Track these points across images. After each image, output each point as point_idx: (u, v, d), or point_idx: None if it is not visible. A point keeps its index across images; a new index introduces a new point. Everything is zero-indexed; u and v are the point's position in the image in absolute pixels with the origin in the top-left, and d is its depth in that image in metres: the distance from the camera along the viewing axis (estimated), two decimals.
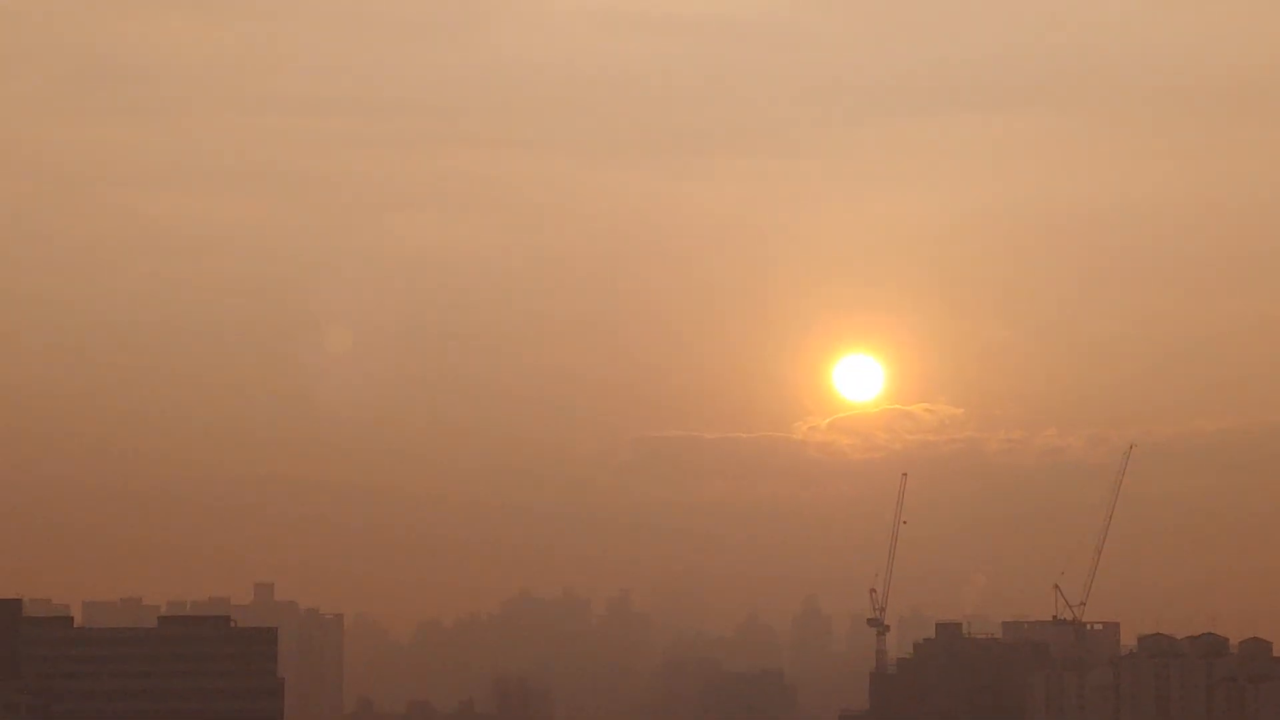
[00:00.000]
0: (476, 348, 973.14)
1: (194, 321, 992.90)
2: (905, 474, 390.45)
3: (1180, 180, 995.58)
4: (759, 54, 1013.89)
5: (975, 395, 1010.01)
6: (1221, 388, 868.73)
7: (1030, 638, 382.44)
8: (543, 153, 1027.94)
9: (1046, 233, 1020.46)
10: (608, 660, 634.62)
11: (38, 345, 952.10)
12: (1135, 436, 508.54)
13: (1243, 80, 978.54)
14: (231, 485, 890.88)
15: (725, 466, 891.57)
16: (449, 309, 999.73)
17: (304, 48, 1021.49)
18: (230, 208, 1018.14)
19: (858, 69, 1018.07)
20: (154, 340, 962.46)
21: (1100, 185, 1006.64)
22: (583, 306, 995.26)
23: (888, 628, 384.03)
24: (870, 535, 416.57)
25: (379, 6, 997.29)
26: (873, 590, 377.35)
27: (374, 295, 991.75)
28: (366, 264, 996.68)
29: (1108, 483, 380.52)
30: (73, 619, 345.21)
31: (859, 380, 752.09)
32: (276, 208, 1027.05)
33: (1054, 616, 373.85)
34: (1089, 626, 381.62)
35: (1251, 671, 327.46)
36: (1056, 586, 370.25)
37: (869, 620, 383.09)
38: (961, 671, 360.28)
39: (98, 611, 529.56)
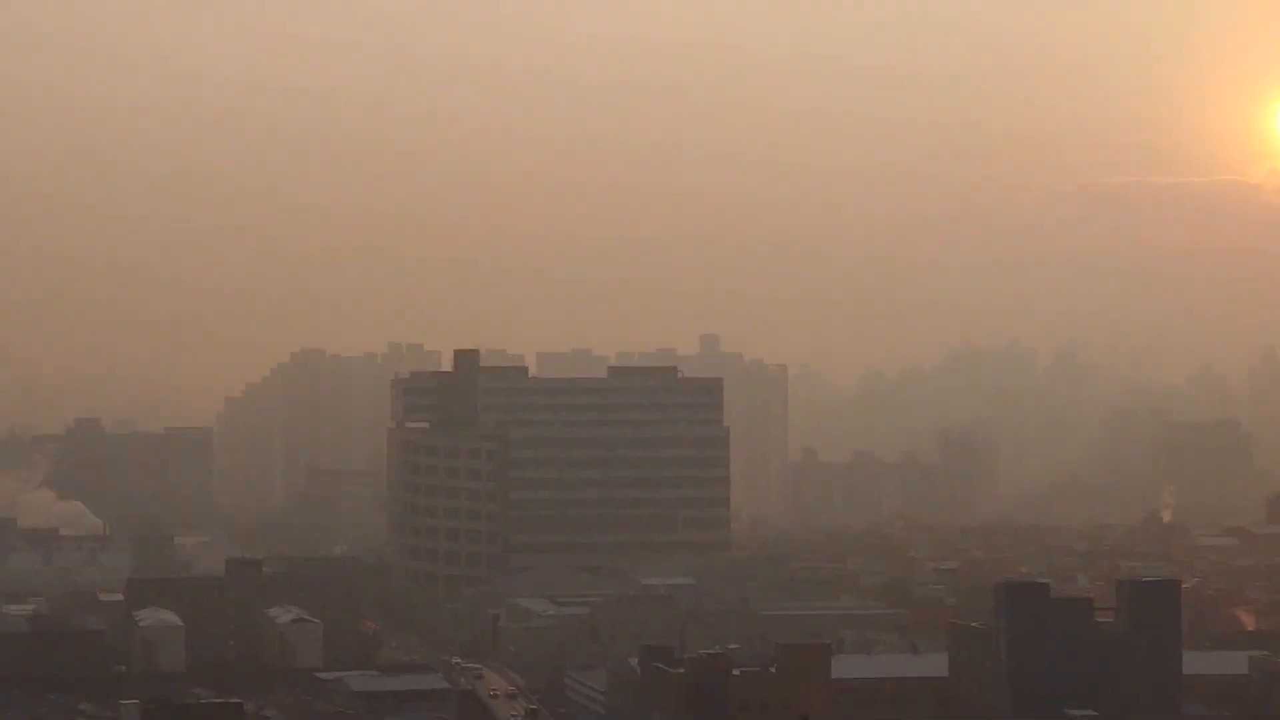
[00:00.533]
0: (912, 94, 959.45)
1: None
2: None
3: None
4: None
5: None
6: None
7: None
8: None
9: None
10: (1053, 411, 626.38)
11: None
12: None
13: None
14: (678, 241, 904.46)
15: (1176, 213, 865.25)
16: (880, 54, 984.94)
17: None
18: None
19: None
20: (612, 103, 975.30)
21: None
22: (1022, 52, 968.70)
23: None
24: None
25: None
26: None
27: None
28: None
29: None
30: (527, 369, 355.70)
31: None
32: None
33: None
34: None
35: None
36: None
37: None
38: None
39: (550, 362, 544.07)
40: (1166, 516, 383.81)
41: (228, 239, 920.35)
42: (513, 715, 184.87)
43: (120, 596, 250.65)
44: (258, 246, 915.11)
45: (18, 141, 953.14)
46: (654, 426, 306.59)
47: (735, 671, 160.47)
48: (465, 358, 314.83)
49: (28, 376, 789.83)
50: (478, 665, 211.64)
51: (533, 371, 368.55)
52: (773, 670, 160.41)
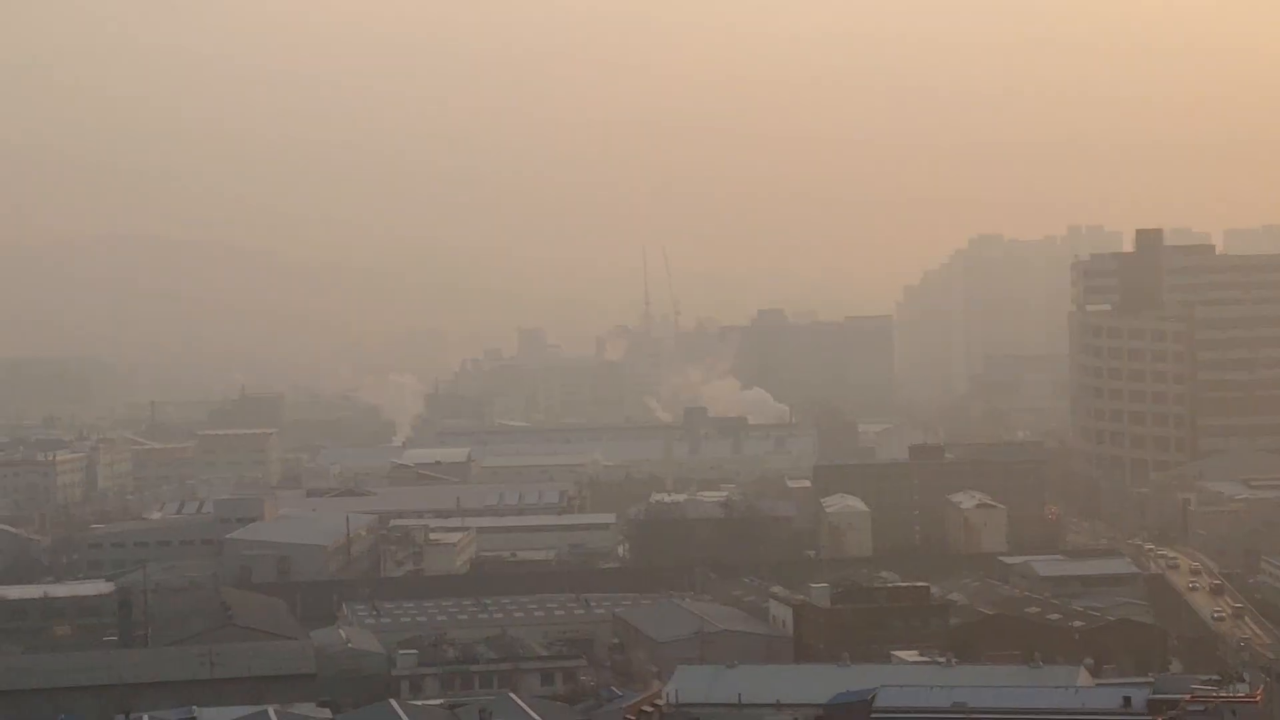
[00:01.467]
0: None
1: None
2: None
3: None
4: None
5: None
6: None
7: None
8: None
9: None
10: None
11: None
12: None
13: None
14: None
15: None
16: None
17: None
18: None
19: None
20: None
21: None
22: None
23: None
24: None
25: None
26: None
27: None
28: None
29: None
30: (1214, 247, 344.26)
31: None
32: None
33: None
34: None
35: None
36: None
37: None
38: None
39: (1239, 238, 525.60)
40: None
41: (901, 130, 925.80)
42: (1216, 610, 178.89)
43: (807, 483, 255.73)
44: (928, 136, 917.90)
45: None
46: None
47: None
48: (1148, 237, 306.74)
49: (716, 270, 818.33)
50: (1172, 554, 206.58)
51: (1220, 249, 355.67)
52: None
